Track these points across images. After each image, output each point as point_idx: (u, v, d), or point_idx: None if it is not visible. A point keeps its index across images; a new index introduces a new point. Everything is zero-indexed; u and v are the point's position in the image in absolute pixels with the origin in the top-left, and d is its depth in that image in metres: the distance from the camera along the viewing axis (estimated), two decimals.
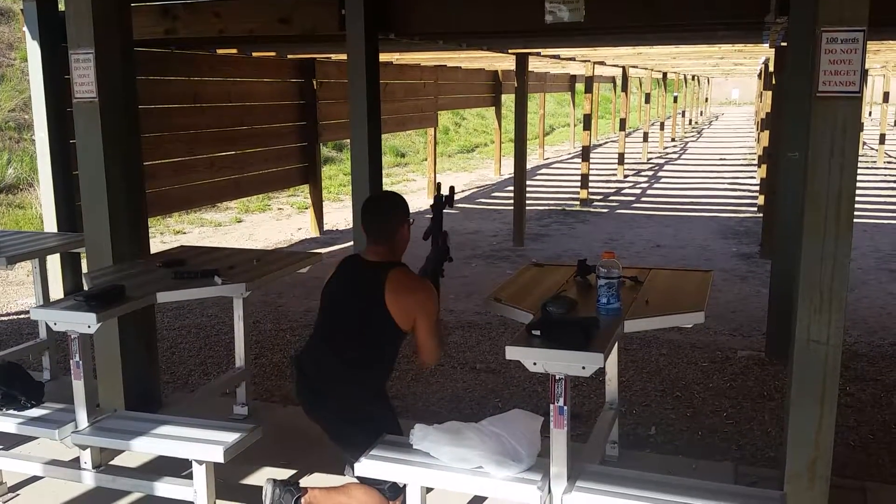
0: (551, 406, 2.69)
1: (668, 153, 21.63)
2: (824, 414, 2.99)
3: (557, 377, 2.66)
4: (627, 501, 2.66)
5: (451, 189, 3.42)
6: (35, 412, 3.55)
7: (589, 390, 4.63)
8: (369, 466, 2.90)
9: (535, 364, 2.65)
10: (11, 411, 3.53)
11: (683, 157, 21.00)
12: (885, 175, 15.79)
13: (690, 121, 33.71)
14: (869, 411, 4.43)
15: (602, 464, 3.40)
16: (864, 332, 5.83)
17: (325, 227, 10.59)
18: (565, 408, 2.68)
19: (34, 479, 3.59)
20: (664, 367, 5.15)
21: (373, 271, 3.01)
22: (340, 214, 11.65)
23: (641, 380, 4.94)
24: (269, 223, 11.25)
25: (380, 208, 3.15)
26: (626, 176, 16.17)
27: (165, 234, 10.18)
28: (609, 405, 3.71)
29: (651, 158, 19.78)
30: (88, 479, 3.41)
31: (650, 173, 17.08)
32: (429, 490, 3.02)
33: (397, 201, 3.18)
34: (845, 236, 2.85)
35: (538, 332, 2.71)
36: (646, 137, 19.80)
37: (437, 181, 3.51)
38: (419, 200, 13.35)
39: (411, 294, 2.96)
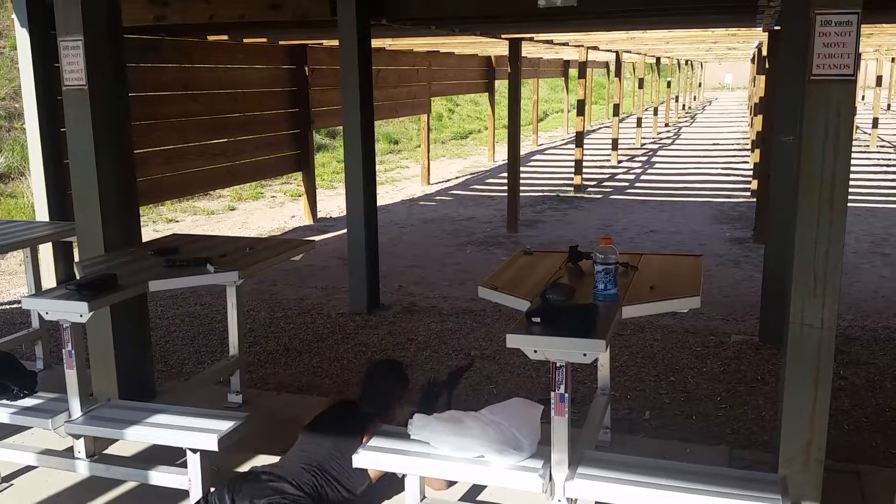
0: (552, 393, 2.69)
1: (661, 138, 21.61)
2: (818, 398, 2.99)
3: (558, 364, 2.66)
4: (629, 487, 2.67)
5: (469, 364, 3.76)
6: (28, 402, 3.54)
7: (583, 376, 4.63)
8: (368, 458, 2.89)
9: (535, 352, 2.64)
10: (4, 401, 3.52)
11: (677, 142, 20.98)
12: (879, 159, 15.81)
13: (684, 106, 33.69)
14: (862, 395, 4.45)
15: (596, 449, 3.41)
16: (857, 316, 5.84)
17: (319, 215, 10.56)
18: (566, 395, 2.68)
19: (28, 468, 3.58)
20: (658, 353, 5.16)
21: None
22: (334, 202, 11.62)
23: (635, 365, 4.95)
24: (263, 211, 11.21)
25: (382, 380, 3.53)
26: (619, 161, 16.15)
27: (158, 223, 10.14)
28: (602, 391, 3.72)
29: (645, 144, 19.76)
30: (82, 469, 3.40)
31: (644, 159, 17.07)
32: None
33: (399, 376, 3.58)
34: (839, 220, 2.85)
35: (538, 320, 2.70)
36: (639, 123, 19.78)
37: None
38: (413, 187, 13.32)
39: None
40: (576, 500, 2.86)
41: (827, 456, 3.06)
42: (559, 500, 2.77)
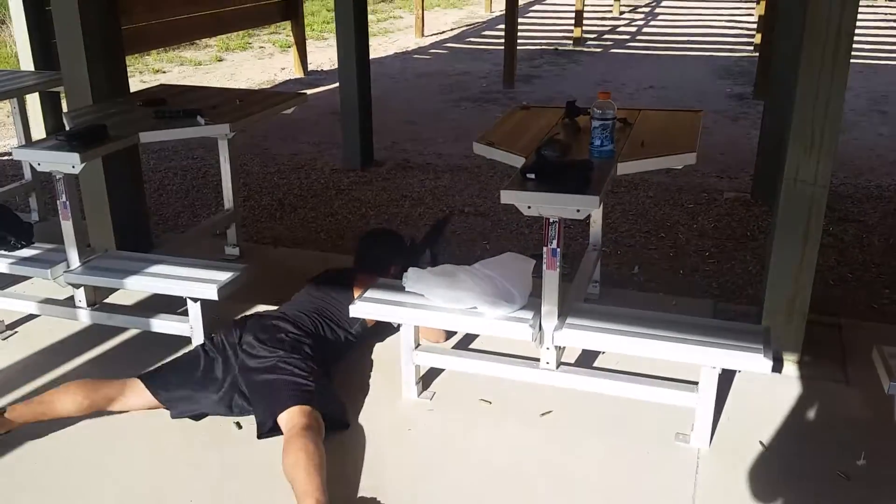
0: (544, 248, 2.73)
1: None
2: (806, 254, 3.04)
3: (551, 220, 2.68)
4: (615, 336, 2.75)
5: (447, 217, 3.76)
6: (26, 252, 3.58)
7: (575, 232, 4.68)
8: (364, 307, 2.96)
9: (529, 208, 2.65)
10: (2, 251, 3.56)
11: None
12: (885, 14, 15.32)
13: None
14: (850, 251, 4.52)
15: (585, 302, 3.50)
16: (850, 174, 5.85)
17: (310, 67, 10.30)
18: (558, 250, 2.72)
19: (30, 317, 3.65)
20: (650, 210, 5.19)
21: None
22: (325, 54, 11.31)
23: (627, 222, 4.99)
24: (251, 62, 10.92)
25: (377, 246, 3.63)
26: (622, 13, 15.61)
27: (145, 74, 9.90)
28: (593, 246, 3.77)
29: None
30: (84, 317, 3.48)
31: (647, 10, 16.50)
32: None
33: (395, 245, 3.61)
34: (841, 73, 2.80)
35: (532, 176, 2.70)
36: None
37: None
38: (406, 40, 12.93)
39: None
40: (563, 347, 2.96)
41: (810, 310, 3.15)
42: (547, 348, 2.86)
